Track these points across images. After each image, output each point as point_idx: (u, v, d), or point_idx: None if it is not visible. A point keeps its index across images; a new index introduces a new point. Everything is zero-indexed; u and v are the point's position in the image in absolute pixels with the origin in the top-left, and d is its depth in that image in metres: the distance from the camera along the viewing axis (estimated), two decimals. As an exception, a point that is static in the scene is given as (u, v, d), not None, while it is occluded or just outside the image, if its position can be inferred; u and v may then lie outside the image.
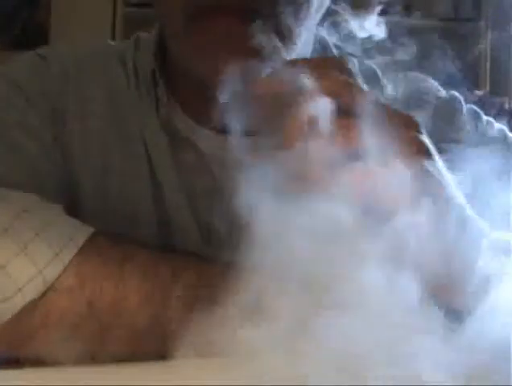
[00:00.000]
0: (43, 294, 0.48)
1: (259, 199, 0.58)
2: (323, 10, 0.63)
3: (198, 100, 0.63)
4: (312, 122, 0.45)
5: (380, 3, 0.52)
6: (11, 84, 0.64)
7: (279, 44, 0.53)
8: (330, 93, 0.46)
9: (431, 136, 0.48)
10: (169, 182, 0.64)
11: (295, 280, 0.58)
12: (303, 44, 0.60)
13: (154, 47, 0.67)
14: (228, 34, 0.56)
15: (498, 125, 0.72)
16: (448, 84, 0.75)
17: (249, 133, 0.65)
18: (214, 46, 0.56)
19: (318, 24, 0.63)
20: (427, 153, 0.46)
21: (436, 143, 0.48)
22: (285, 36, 0.56)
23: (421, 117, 0.49)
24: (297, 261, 0.54)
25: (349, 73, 0.48)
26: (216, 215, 0.65)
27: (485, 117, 0.72)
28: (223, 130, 0.65)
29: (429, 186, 0.45)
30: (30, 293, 0.47)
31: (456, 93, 0.73)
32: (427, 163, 0.46)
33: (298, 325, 0.50)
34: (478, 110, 0.72)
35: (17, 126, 0.61)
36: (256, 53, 0.55)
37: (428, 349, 0.49)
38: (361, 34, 0.51)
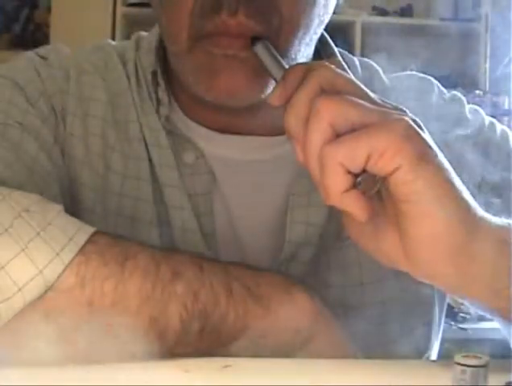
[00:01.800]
0: (44, 294, 0.47)
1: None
2: (323, 26, 0.63)
3: (197, 101, 0.63)
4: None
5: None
6: (12, 84, 0.64)
7: (279, 64, 0.54)
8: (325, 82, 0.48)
9: (433, 137, 0.48)
10: (170, 181, 0.64)
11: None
12: (302, 54, 0.61)
13: (155, 47, 0.67)
14: (227, 56, 0.57)
15: (500, 126, 0.71)
16: (448, 83, 0.75)
17: (248, 132, 0.66)
18: (214, 67, 0.57)
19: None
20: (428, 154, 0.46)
21: (439, 144, 0.48)
22: (284, 55, 0.57)
23: (423, 118, 0.49)
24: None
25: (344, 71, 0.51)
26: (216, 215, 0.65)
27: (487, 118, 0.72)
28: (223, 130, 0.65)
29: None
30: (31, 292, 0.47)
31: (459, 94, 0.73)
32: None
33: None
34: (480, 111, 0.72)
35: (18, 126, 0.61)
36: (255, 74, 0.56)
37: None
38: None
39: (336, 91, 0.48)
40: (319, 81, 0.48)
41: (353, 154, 0.45)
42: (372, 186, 0.48)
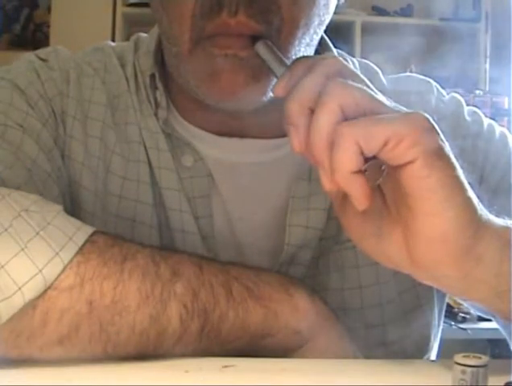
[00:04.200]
0: (43, 294, 0.47)
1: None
2: (323, 26, 0.63)
3: (196, 104, 0.63)
4: None
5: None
6: (12, 86, 0.64)
7: (282, 62, 0.54)
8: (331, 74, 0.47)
9: None
10: (169, 184, 0.64)
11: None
12: (302, 55, 0.60)
13: (153, 50, 0.67)
14: (228, 55, 0.56)
15: (499, 128, 0.71)
16: (448, 83, 0.75)
17: (247, 135, 0.66)
18: (215, 67, 0.57)
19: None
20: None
21: None
22: (285, 55, 0.57)
23: None
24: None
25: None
26: (215, 216, 0.65)
27: (486, 120, 0.72)
28: (221, 133, 0.65)
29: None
30: (30, 292, 0.47)
31: (457, 95, 0.73)
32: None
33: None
34: (479, 113, 0.72)
35: (18, 128, 0.61)
36: (256, 74, 0.56)
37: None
38: None
39: None
40: (326, 70, 0.47)
41: (371, 135, 0.44)
42: (376, 176, 0.47)
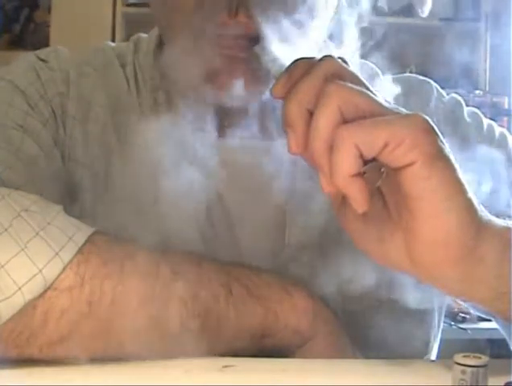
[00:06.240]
0: (43, 294, 0.48)
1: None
2: (325, 27, 0.63)
3: (196, 105, 0.63)
4: None
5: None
6: (12, 86, 0.64)
7: (282, 64, 0.54)
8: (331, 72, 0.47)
9: None
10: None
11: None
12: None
13: (153, 50, 0.67)
14: (228, 56, 0.57)
15: (499, 128, 0.71)
16: (447, 83, 0.75)
17: (247, 136, 0.66)
18: (214, 67, 0.57)
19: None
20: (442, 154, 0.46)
21: None
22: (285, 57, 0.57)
23: None
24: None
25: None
26: (215, 216, 0.65)
27: (486, 120, 0.71)
28: (221, 134, 0.65)
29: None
30: (30, 292, 0.47)
31: (457, 96, 0.73)
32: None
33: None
34: (479, 113, 0.72)
35: (18, 128, 0.61)
36: (256, 75, 0.56)
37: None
38: None
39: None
40: (325, 71, 0.47)
41: (370, 138, 0.44)
42: (375, 179, 0.47)
